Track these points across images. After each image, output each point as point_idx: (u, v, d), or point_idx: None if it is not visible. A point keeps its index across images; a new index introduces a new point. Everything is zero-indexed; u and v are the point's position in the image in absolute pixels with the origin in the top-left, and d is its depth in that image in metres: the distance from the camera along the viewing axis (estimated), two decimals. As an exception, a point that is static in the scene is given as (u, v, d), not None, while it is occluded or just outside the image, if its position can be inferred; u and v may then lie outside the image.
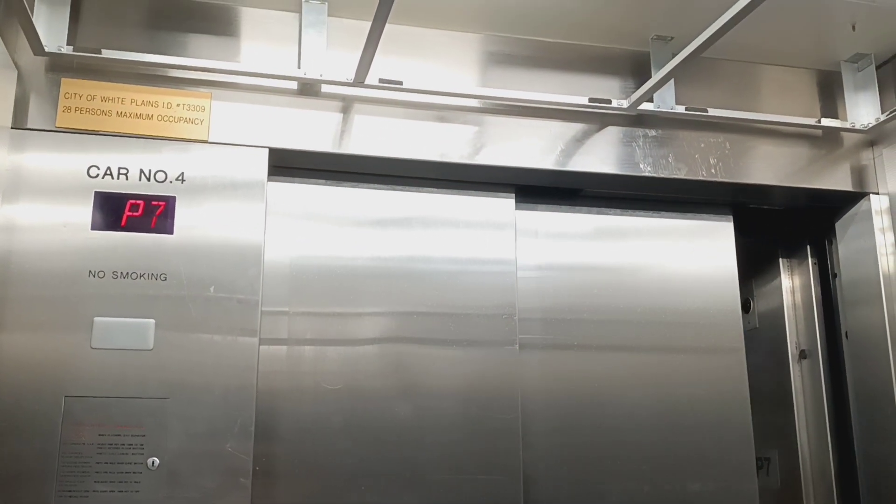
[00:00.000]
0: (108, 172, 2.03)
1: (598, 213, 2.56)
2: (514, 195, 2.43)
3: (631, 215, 2.57)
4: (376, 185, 2.34)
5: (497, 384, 2.28)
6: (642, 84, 2.32)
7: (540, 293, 2.44)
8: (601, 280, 2.50)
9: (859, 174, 2.57)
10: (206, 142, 2.11)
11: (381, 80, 2.21)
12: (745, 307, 2.98)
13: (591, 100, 2.36)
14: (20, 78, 2.01)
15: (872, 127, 2.52)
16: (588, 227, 2.55)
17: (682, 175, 2.41)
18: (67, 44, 2.04)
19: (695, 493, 2.41)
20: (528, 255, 2.44)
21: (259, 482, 2.02)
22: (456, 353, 2.27)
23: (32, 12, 1.98)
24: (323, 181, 2.31)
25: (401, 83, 2.22)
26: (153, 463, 1.89)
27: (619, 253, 2.54)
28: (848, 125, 2.55)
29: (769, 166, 2.49)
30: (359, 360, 2.22)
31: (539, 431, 2.34)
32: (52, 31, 2.03)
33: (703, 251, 2.60)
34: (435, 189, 2.38)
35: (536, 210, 2.49)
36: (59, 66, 2.06)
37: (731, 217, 2.65)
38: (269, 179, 2.14)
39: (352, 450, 2.15)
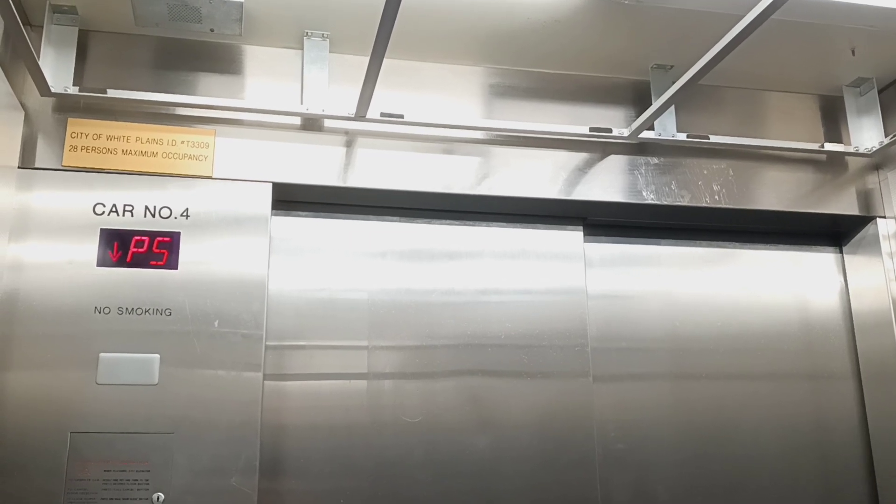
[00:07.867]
0: (114, 209, 2.05)
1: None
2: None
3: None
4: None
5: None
6: (644, 112, 2.33)
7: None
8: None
9: (865, 198, 2.56)
10: (210, 178, 2.13)
11: (382, 114, 2.23)
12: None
13: (591, 129, 2.37)
14: (27, 118, 2.05)
15: (877, 150, 2.51)
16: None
17: (685, 202, 2.41)
18: (73, 84, 2.08)
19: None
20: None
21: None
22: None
23: (39, 54, 2.02)
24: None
25: (402, 116, 2.24)
26: (158, 498, 1.89)
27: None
28: (852, 149, 2.54)
29: (773, 192, 2.49)
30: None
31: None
32: (59, 72, 2.07)
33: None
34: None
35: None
36: (65, 107, 2.09)
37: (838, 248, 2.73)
38: (272, 214, 2.16)
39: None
